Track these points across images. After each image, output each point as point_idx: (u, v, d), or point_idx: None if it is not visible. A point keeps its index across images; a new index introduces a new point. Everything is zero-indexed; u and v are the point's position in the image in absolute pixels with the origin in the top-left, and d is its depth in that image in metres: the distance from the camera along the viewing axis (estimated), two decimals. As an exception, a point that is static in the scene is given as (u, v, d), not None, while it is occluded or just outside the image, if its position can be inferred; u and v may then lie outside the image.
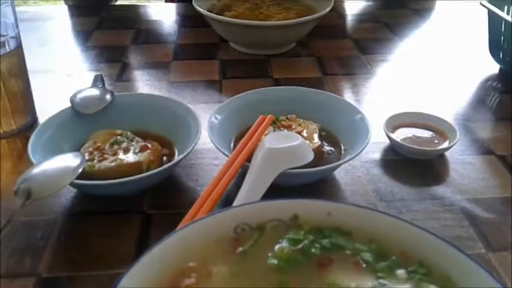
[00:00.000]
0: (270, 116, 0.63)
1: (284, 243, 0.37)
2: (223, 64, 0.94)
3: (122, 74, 0.90)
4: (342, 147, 0.65)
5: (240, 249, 0.36)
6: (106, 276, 0.49)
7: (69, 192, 0.60)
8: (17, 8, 0.69)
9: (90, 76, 0.79)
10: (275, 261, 0.35)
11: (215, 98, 0.82)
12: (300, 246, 0.36)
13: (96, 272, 0.49)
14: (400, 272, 0.34)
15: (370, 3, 1.26)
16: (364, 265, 0.35)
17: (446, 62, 0.97)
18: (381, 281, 0.34)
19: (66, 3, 1.22)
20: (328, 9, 0.95)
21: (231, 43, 1.00)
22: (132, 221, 0.56)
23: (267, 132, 0.62)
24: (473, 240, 0.53)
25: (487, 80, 0.90)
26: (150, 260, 0.33)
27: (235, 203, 0.50)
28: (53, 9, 1.34)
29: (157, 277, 0.33)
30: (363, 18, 1.20)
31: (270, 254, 0.36)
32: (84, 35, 1.06)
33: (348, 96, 0.83)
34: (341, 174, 0.63)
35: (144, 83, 0.88)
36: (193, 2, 0.97)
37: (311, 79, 0.89)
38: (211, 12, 0.97)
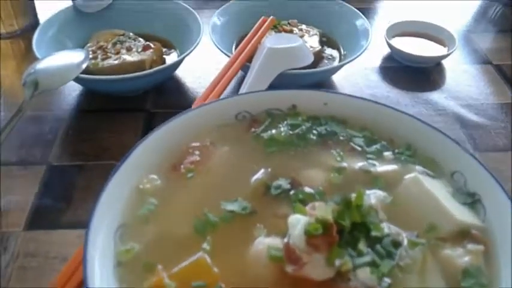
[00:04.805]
0: (271, 17, 0.63)
1: (283, 128, 0.39)
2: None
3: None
4: (342, 53, 0.66)
5: (253, 130, 0.38)
6: (111, 165, 0.51)
7: (74, 91, 0.62)
8: None
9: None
10: (272, 144, 0.38)
11: (217, 3, 0.81)
12: (297, 131, 0.39)
13: (102, 162, 0.52)
14: (387, 153, 0.37)
15: None
16: (357, 148, 0.37)
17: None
18: (370, 161, 0.36)
19: None
20: None
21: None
22: (136, 118, 0.58)
23: (268, 35, 0.63)
24: (462, 142, 0.55)
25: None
26: (156, 138, 0.35)
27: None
28: None
29: (163, 154, 0.36)
30: None
31: (267, 136, 0.38)
32: None
33: (354, 4, 0.82)
34: (340, 80, 0.65)
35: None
36: None
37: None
38: None
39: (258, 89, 0.53)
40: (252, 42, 0.59)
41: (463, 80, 0.66)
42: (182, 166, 0.35)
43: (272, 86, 0.54)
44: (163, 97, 0.62)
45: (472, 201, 0.33)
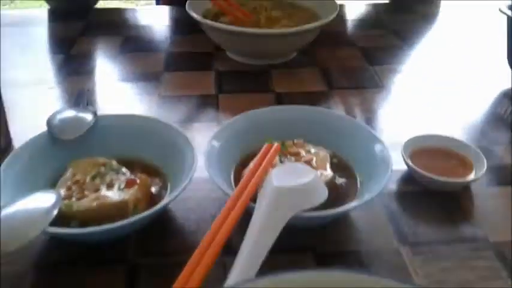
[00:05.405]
0: (277, 144, 0.55)
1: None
2: (219, 76, 0.85)
3: (108, 86, 0.82)
4: (358, 179, 0.57)
5: None
6: None
7: (40, 238, 0.51)
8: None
9: (72, 88, 0.71)
10: None
11: (211, 115, 0.74)
12: None
13: None
14: None
15: (372, 7, 1.18)
16: None
17: (460, 73, 0.89)
18: None
19: (48, 3, 1.12)
20: (334, 15, 0.87)
21: (227, 52, 0.91)
22: (115, 274, 0.48)
23: (273, 162, 0.54)
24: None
25: (505, 94, 0.83)
26: None
27: (238, 257, 0.42)
28: (36, 13, 1.23)
29: None
30: (368, 23, 1.12)
31: None
32: (68, 42, 0.96)
33: (358, 113, 0.76)
34: (357, 214, 0.55)
35: (133, 98, 0.80)
36: (186, 6, 0.89)
37: (316, 93, 0.81)
38: (206, 17, 0.89)
39: (267, 239, 0.43)
40: (256, 176, 0.50)
41: (498, 208, 0.57)
42: None
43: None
44: (148, 241, 0.51)
45: None
